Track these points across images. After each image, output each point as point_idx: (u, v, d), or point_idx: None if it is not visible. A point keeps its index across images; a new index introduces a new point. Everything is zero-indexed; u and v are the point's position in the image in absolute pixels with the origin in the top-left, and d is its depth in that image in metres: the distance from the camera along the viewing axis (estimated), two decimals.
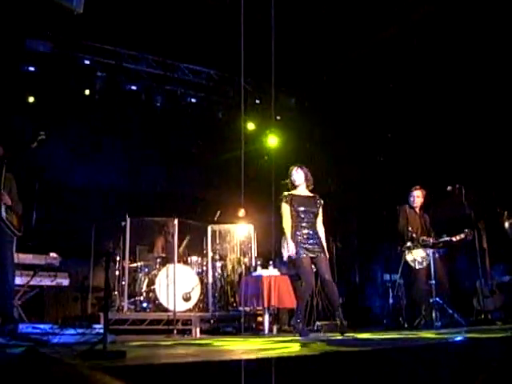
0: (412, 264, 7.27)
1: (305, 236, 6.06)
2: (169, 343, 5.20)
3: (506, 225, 6.84)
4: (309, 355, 3.25)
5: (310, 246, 6.01)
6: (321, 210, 6.29)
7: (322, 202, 6.34)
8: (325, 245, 6.20)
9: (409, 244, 7.26)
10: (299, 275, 6.16)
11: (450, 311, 6.96)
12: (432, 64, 8.35)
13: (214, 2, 7.77)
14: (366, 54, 8.92)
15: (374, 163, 10.08)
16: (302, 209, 6.15)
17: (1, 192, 5.28)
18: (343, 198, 10.34)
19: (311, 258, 6.00)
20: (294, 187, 6.33)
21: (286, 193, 6.29)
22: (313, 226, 6.17)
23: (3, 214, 5.34)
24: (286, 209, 6.18)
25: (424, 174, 8.55)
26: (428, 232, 7.43)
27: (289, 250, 6.03)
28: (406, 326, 7.35)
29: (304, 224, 6.12)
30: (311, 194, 6.36)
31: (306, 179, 6.34)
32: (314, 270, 6.06)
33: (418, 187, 7.65)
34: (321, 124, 10.43)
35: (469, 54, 8.01)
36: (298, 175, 6.34)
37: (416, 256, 7.25)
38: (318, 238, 6.13)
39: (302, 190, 6.34)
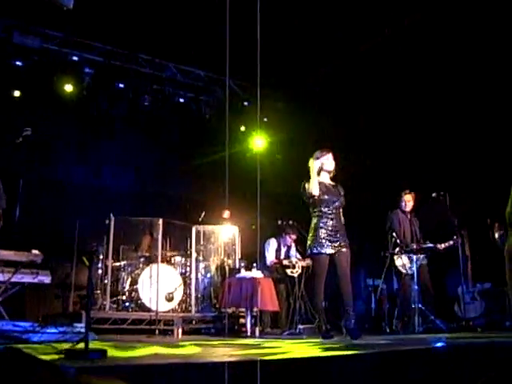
0: (401, 269, 7.31)
1: (327, 228, 5.71)
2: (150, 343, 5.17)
3: (496, 235, 6.91)
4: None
5: (332, 240, 5.67)
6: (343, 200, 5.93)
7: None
8: None
9: (396, 249, 7.30)
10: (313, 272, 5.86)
11: (432, 317, 7.00)
12: (421, 71, 8.40)
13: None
14: (354, 57, 8.93)
15: (360, 168, 10.11)
16: (325, 197, 5.80)
17: None
18: None
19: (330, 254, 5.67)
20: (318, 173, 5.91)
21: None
22: (337, 217, 5.82)
23: None
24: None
25: (410, 180, 8.60)
26: (417, 237, 7.48)
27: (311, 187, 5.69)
28: (387, 330, 7.40)
29: (327, 214, 5.76)
30: (333, 183, 6.02)
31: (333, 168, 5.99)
32: None
33: (407, 191, 7.69)
34: (308, 126, 10.43)
35: (456, 62, 8.08)
36: (330, 161, 5.97)
37: (405, 261, 7.28)
38: (343, 230, 5.80)
39: (325, 177, 5.98)
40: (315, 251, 5.68)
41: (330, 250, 5.64)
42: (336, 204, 5.82)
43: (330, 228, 5.71)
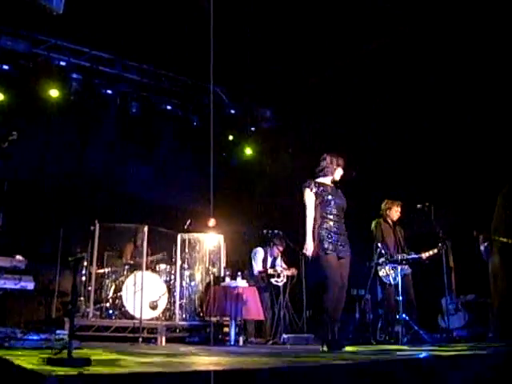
0: (384, 280, 7.32)
1: (332, 231, 5.38)
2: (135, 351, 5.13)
3: (482, 248, 6.96)
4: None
5: (337, 244, 5.34)
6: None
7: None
8: None
9: (381, 260, 7.30)
10: (323, 276, 5.32)
11: (416, 328, 7.01)
12: (407, 83, 8.47)
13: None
14: (343, 67, 8.99)
15: (345, 178, 10.14)
16: (330, 198, 5.51)
17: None
18: None
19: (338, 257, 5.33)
20: (322, 175, 5.72)
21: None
22: (340, 220, 5.51)
23: None
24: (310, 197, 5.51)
25: (395, 191, 8.64)
26: (402, 247, 7.50)
27: (307, 248, 5.34)
28: (371, 341, 7.40)
29: (331, 217, 5.44)
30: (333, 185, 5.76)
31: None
32: None
33: (399, 202, 7.71)
34: (296, 136, 10.47)
35: (441, 74, 8.16)
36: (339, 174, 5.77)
37: (389, 272, 7.29)
38: (344, 235, 5.49)
39: (329, 181, 5.74)
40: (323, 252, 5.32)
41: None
42: (339, 207, 5.57)
43: (333, 230, 5.40)
